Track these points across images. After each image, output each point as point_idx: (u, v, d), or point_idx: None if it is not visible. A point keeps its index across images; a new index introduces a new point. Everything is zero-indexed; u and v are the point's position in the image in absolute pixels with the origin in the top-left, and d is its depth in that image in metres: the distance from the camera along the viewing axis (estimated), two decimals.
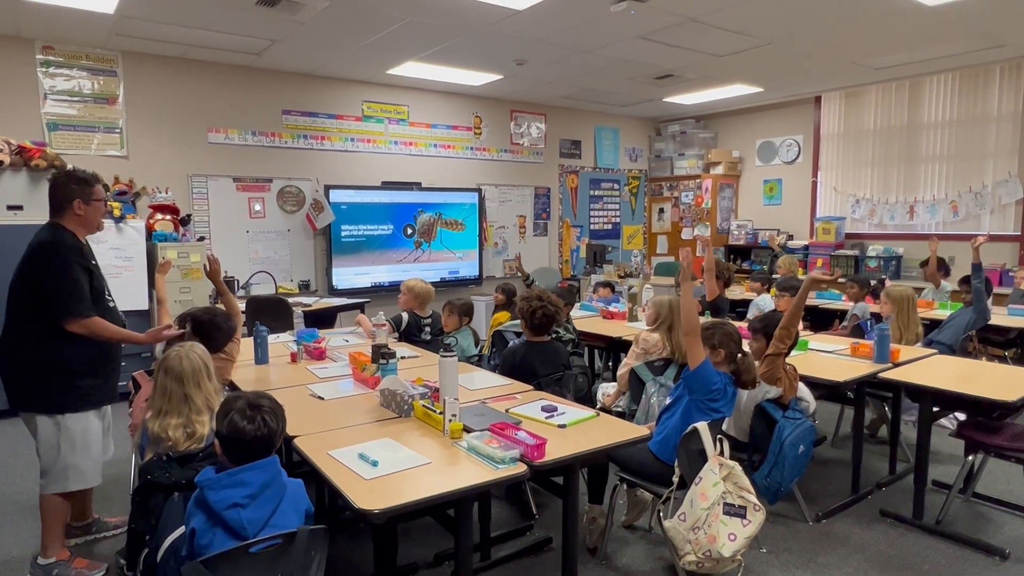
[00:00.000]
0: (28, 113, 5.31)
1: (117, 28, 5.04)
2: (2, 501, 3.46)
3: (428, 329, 4.33)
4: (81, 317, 2.59)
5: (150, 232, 5.41)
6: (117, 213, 5.17)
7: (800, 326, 3.34)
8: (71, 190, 2.69)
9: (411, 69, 6.36)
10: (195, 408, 2.17)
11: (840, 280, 5.19)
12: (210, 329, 2.81)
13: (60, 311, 2.57)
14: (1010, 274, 6.11)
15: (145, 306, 5.21)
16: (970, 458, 3.05)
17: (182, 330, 2.77)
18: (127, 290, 5.04)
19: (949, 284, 5.48)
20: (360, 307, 6.13)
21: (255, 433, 1.73)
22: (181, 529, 1.78)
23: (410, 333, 4.29)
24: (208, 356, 2.34)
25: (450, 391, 2.39)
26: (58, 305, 2.57)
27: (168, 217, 5.55)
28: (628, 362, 3.62)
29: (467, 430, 2.26)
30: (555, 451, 2.12)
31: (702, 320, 2.84)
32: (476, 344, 4.37)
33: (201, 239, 5.94)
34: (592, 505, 2.93)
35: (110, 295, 2.85)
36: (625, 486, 2.90)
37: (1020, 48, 5.85)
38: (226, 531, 1.64)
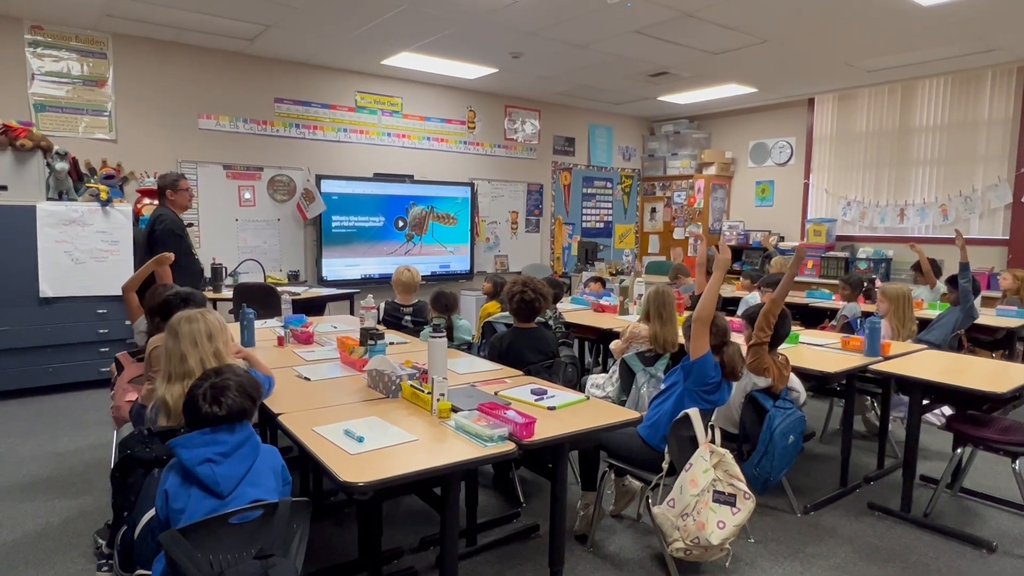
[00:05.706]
0: (15, 93, 5.22)
1: (108, 8, 4.96)
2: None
3: (409, 318, 4.30)
4: None
5: (137, 216, 5.34)
6: (104, 196, 5.10)
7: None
8: (164, 183, 4.78)
9: (406, 60, 6.32)
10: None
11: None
12: (169, 306, 2.75)
13: None
14: (997, 277, 6.13)
15: None
16: (959, 451, 3.05)
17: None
18: (112, 273, 4.97)
19: (942, 285, 5.50)
20: (350, 298, 6.09)
21: (219, 414, 1.67)
22: None
23: (388, 320, 4.25)
24: (222, 321, 2.26)
25: (438, 370, 2.36)
26: None
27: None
28: (615, 345, 3.63)
29: (455, 410, 2.23)
30: (544, 431, 2.09)
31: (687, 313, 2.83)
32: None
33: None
34: (585, 492, 2.90)
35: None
36: (613, 474, 2.88)
37: (1012, 53, 5.89)
38: (201, 489, 1.60)
